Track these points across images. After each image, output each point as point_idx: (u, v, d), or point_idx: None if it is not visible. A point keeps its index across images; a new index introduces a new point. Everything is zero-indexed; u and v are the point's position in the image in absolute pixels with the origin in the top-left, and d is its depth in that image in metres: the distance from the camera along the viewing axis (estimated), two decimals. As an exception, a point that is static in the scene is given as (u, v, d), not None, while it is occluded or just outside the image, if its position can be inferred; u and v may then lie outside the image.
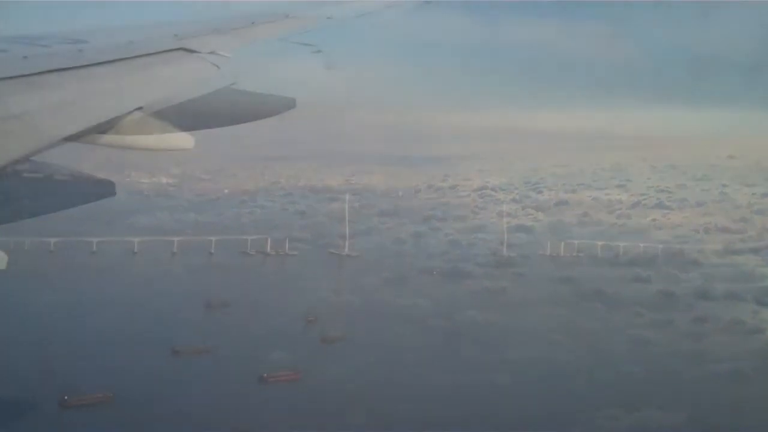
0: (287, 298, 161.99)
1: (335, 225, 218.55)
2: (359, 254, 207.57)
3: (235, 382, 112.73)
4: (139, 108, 10.03)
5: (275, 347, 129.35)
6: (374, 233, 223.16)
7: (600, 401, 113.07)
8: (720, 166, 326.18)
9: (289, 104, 10.98)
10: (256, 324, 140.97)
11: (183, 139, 10.79)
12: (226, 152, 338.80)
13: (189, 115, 11.63)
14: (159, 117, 10.42)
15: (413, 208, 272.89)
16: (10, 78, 8.69)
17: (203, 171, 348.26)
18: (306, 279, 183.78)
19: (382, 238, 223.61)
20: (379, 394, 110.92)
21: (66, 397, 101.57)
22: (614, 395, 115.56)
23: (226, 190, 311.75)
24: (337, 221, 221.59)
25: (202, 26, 15.07)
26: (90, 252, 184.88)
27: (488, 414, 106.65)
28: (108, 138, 9.92)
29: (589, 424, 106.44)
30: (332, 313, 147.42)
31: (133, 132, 10.04)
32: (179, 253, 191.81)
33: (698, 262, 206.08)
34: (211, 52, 12.96)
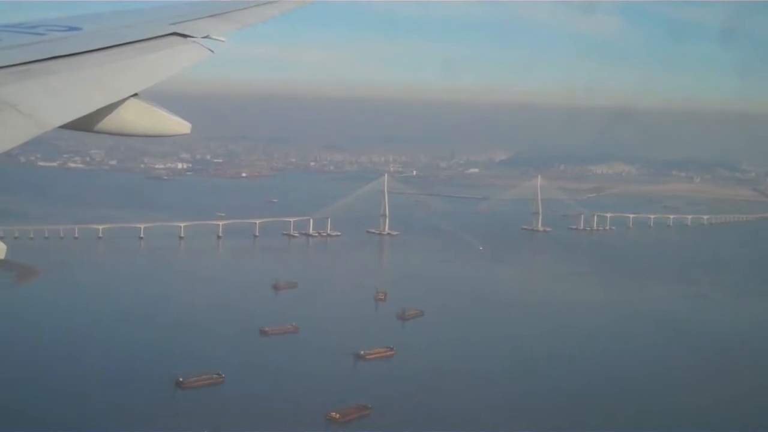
0: (348, 277, 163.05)
1: (367, 206, 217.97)
2: (398, 233, 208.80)
3: (334, 360, 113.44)
4: (135, 94, 9.95)
5: (357, 325, 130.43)
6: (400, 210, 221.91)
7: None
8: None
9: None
10: (329, 303, 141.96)
11: (179, 124, 10.49)
12: (215, 134, 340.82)
13: None
14: (154, 102, 10.36)
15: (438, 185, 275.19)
16: (6, 66, 8.66)
17: (212, 155, 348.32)
18: (356, 258, 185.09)
19: (414, 215, 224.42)
20: (477, 369, 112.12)
21: (181, 379, 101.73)
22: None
23: (243, 174, 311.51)
24: (365, 201, 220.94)
25: (195, 11, 14.94)
26: (138, 237, 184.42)
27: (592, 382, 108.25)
28: (104, 124, 9.71)
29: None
30: (398, 290, 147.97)
31: (129, 118, 9.89)
32: (225, 237, 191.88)
33: None
34: (205, 37, 12.83)
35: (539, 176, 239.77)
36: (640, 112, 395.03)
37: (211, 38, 12.90)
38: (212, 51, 12.53)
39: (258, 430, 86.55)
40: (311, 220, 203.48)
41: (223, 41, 13.03)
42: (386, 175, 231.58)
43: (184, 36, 12.59)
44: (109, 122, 9.77)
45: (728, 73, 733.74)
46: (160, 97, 10.55)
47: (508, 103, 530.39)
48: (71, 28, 11.94)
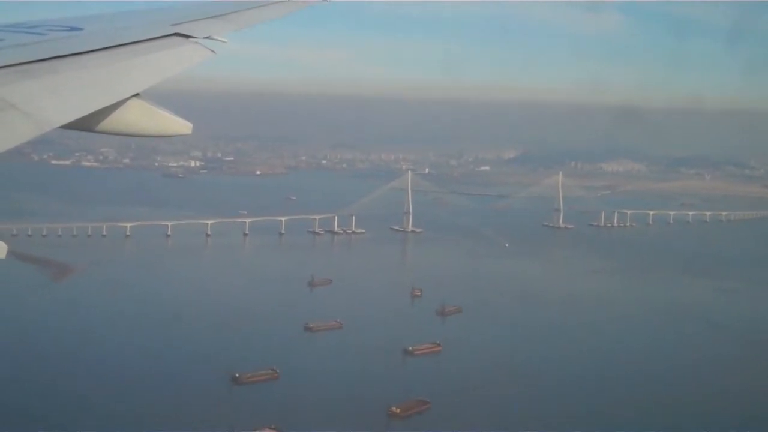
0: (379, 274, 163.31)
1: (387, 203, 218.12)
2: (422, 230, 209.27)
3: (383, 355, 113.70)
4: (136, 95, 9.92)
5: (398, 321, 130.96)
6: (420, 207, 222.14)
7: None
8: None
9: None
10: (366, 299, 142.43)
11: (181, 125, 10.46)
12: (222, 133, 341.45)
13: None
14: (156, 102, 10.19)
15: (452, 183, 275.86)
16: (6, 66, 8.63)
17: (223, 153, 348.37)
18: (384, 255, 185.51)
19: (434, 213, 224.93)
20: (526, 363, 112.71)
21: (237, 375, 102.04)
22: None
23: (257, 172, 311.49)
24: (385, 199, 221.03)
25: (197, 11, 14.82)
26: (165, 235, 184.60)
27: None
28: (105, 124, 9.68)
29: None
30: (431, 286, 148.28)
31: (130, 118, 9.85)
32: (252, 234, 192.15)
33: None
34: (207, 37, 12.71)
35: (560, 173, 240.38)
36: (644, 110, 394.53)
37: (212, 39, 12.84)
38: (214, 51, 12.46)
39: (322, 425, 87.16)
40: (336, 218, 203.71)
41: (225, 42, 12.97)
42: (410, 173, 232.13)
43: (186, 36, 12.48)
44: (110, 122, 9.74)
45: (731, 71, 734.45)
46: (164, 97, 10.54)
47: (513, 101, 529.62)
48: (72, 29, 11.85)
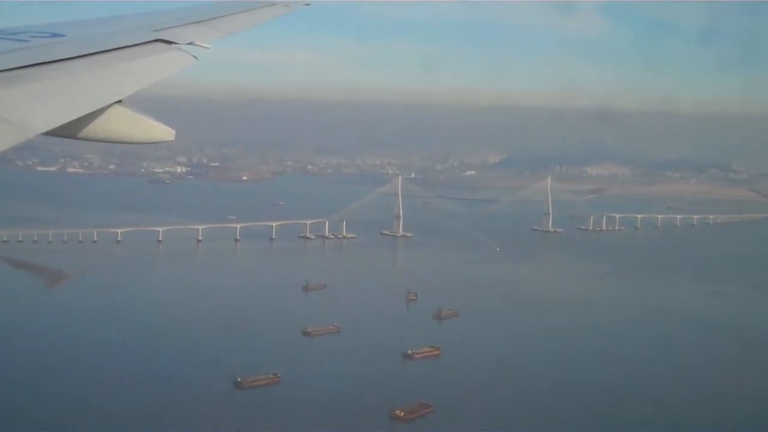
0: (373, 278, 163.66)
1: (377, 208, 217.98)
2: (412, 234, 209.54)
3: (383, 359, 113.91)
4: (119, 101, 9.91)
5: (395, 325, 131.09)
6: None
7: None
8: None
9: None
10: (361, 303, 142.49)
11: (164, 131, 10.45)
12: (206, 138, 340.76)
13: None
14: (138, 109, 10.33)
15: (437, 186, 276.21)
16: None
17: (208, 159, 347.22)
18: (376, 259, 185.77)
19: (423, 217, 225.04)
20: (525, 366, 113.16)
21: (239, 379, 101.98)
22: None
23: (244, 177, 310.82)
24: (374, 204, 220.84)
25: (180, 16, 14.88)
26: (156, 241, 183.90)
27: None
28: (88, 131, 9.64)
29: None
30: (425, 290, 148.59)
31: (113, 125, 9.84)
32: (243, 239, 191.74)
33: None
34: (190, 44, 12.76)
35: (549, 178, 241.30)
36: (621, 113, 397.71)
37: (195, 45, 12.88)
38: (196, 57, 12.47)
39: (325, 429, 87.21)
40: (327, 223, 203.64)
41: (207, 48, 13.03)
42: (400, 178, 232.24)
43: (169, 43, 12.54)
44: (92, 129, 9.72)
45: (706, 72, 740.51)
46: (147, 103, 10.56)
47: (493, 105, 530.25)
48: (54, 35, 11.79)
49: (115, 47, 11.47)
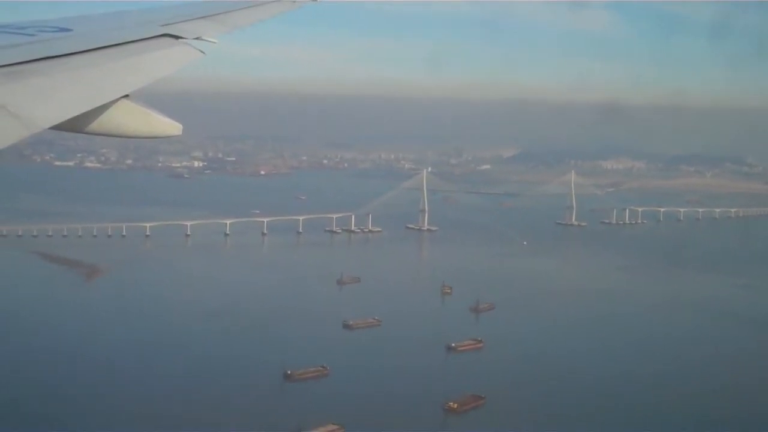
0: (405, 272, 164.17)
1: (399, 202, 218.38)
2: (437, 228, 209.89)
3: (427, 352, 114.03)
4: (126, 96, 9.87)
5: (434, 318, 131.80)
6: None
7: None
8: None
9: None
10: (397, 297, 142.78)
11: (171, 126, 10.40)
12: (218, 133, 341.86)
13: None
14: (146, 103, 10.26)
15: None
16: None
17: (223, 153, 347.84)
18: (404, 253, 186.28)
19: (446, 211, 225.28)
20: (568, 357, 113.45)
21: (288, 371, 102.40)
22: None
23: (262, 171, 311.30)
24: (396, 198, 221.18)
25: (187, 11, 14.85)
26: (184, 235, 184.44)
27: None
28: (95, 126, 9.62)
29: None
30: (459, 284, 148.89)
31: (119, 119, 9.80)
32: (270, 234, 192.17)
33: None
34: (197, 38, 12.69)
35: (572, 172, 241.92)
36: (632, 107, 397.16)
37: (202, 39, 12.81)
38: (203, 52, 12.40)
39: (380, 420, 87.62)
40: (353, 217, 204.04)
41: (215, 42, 12.98)
42: (425, 172, 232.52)
43: (176, 37, 12.44)
44: (99, 124, 9.67)
45: (717, 67, 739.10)
46: (156, 98, 10.50)
47: (504, 100, 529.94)
48: (61, 29, 11.72)
49: (122, 42, 11.42)
